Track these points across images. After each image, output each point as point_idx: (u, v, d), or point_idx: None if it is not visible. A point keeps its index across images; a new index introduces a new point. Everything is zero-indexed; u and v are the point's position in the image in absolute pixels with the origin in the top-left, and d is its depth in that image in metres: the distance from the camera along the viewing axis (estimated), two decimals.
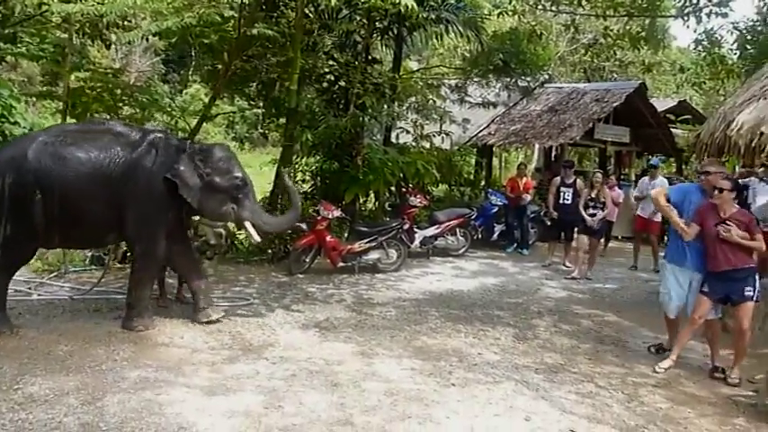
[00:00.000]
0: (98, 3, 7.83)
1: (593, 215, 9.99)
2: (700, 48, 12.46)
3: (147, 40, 13.61)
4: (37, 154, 5.80)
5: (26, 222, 5.80)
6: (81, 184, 5.88)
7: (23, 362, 5.19)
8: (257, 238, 6.98)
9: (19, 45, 11.57)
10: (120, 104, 10.46)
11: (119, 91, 10.64)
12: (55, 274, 8.25)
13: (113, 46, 16.06)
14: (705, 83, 16.46)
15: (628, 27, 13.20)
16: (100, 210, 6.04)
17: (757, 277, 5.66)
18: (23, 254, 6.19)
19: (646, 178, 11.37)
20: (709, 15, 10.39)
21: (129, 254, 6.88)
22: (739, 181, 8.80)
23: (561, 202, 10.69)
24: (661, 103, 18.72)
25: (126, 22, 9.69)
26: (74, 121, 10.22)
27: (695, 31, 12.20)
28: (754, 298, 5.62)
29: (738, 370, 5.63)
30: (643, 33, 12.98)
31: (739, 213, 5.71)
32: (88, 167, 5.92)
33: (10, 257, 5.95)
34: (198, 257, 7.27)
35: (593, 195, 10.10)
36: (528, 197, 12.26)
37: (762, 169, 8.99)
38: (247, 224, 6.67)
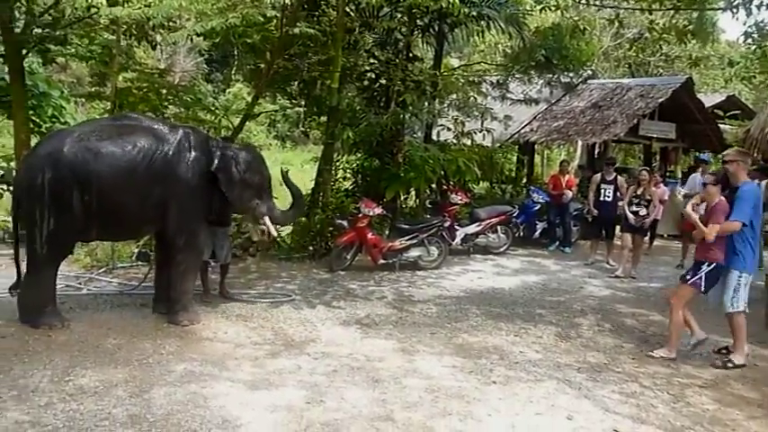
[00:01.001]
0: (145, 5, 7.99)
1: (636, 213, 9.82)
2: (749, 41, 12.09)
3: (192, 40, 13.83)
4: (73, 149, 5.91)
5: (67, 216, 5.92)
6: (118, 178, 5.99)
7: (74, 354, 5.34)
8: (274, 232, 7.58)
9: (69, 47, 11.90)
10: (166, 104, 10.67)
11: (164, 91, 10.87)
12: (103, 269, 8.48)
13: (159, 47, 16.43)
14: (755, 77, 16.02)
15: (674, 21, 12.89)
16: (136, 203, 6.16)
17: (705, 267, 5.84)
18: (66, 247, 6.34)
19: (696, 174, 11.08)
20: (759, 7, 10.07)
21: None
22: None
23: (602, 199, 10.54)
24: (709, 99, 18.27)
25: (171, 24, 9.87)
26: None
27: (745, 24, 11.85)
28: (689, 282, 5.93)
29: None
30: (690, 27, 12.69)
31: (717, 204, 5.91)
32: (124, 161, 6.03)
33: (54, 251, 6.09)
34: (240, 254, 7.44)
35: (638, 193, 9.92)
36: (570, 194, 12.10)
37: None
38: (266, 219, 7.06)
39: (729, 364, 5.79)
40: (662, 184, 11.44)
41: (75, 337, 5.77)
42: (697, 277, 5.89)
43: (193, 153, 6.38)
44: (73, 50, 12.12)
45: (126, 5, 8.13)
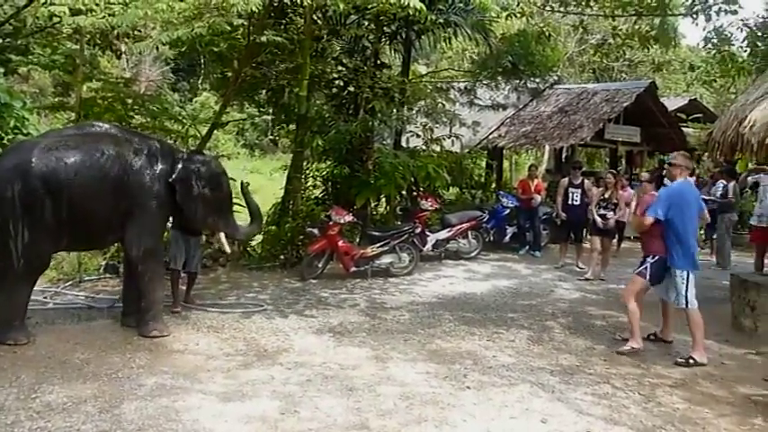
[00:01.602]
0: (109, 15, 7.88)
1: (603, 216, 9.95)
2: (709, 45, 12.34)
3: (157, 49, 13.73)
4: (42, 159, 5.84)
5: (40, 227, 5.84)
6: (86, 188, 5.94)
7: (40, 370, 5.23)
8: (228, 249, 7.72)
9: (31, 56, 11.69)
10: (132, 114, 10.53)
11: (130, 100, 10.72)
12: (70, 282, 8.31)
13: (124, 56, 16.22)
14: (716, 81, 16.35)
15: (637, 26, 13.13)
16: (104, 211, 6.11)
17: (650, 259, 6.31)
18: (43, 260, 6.23)
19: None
20: (718, 13, 10.31)
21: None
22: (749, 178, 8.85)
23: (570, 203, 10.67)
24: (672, 102, 18.63)
25: (136, 33, 9.76)
26: None
27: (705, 29, 12.05)
28: (636, 271, 6.48)
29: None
30: (652, 32, 12.91)
31: (645, 198, 6.81)
32: (93, 170, 5.99)
33: (31, 265, 5.97)
34: (211, 264, 7.36)
35: (605, 196, 10.06)
36: (539, 199, 12.22)
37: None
38: (221, 235, 7.26)
39: (691, 361, 5.96)
40: (628, 187, 11.58)
41: (41, 353, 5.64)
42: (642, 267, 6.36)
43: (158, 163, 6.36)
44: (35, 60, 11.91)
45: (89, 14, 8.00)
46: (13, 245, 5.77)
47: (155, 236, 6.48)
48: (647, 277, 6.32)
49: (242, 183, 7.55)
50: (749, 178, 9.27)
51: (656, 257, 6.26)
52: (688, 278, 6.12)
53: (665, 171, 7.21)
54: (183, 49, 11.44)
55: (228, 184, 7.02)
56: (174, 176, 6.37)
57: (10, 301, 5.92)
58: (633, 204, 7.02)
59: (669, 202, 6.11)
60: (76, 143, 6.09)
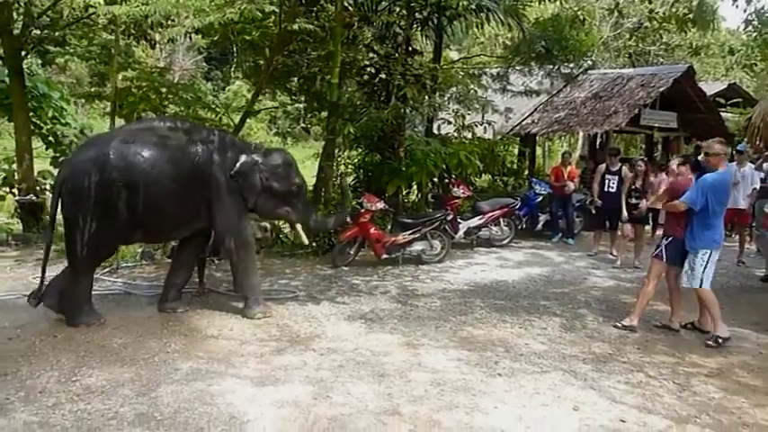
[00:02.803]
0: (143, 3, 7.98)
1: (636, 206, 9.77)
2: (750, 28, 12.08)
3: (190, 38, 13.83)
4: (119, 153, 6.01)
5: (110, 220, 6.01)
6: (162, 181, 6.12)
7: (80, 354, 5.36)
8: (305, 240, 7.72)
9: (68, 47, 11.90)
10: (166, 103, 10.67)
11: (164, 89, 10.87)
12: (107, 269, 8.47)
13: (158, 45, 16.42)
14: (756, 65, 15.99)
15: (674, 9, 12.88)
16: (178, 204, 6.30)
17: (664, 241, 6.45)
18: (107, 250, 6.49)
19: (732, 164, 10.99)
20: None
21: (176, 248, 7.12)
22: (765, 163, 8.68)
23: (606, 190, 10.50)
24: (710, 87, 18.21)
25: (170, 22, 9.86)
26: (122, 120, 10.48)
27: (745, 11, 11.74)
28: (653, 254, 6.60)
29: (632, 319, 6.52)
30: (690, 15, 12.64)
31: (677, 183, 6.73)
32: (169, 165, 6.17)
33: (94, 254, 6.18)
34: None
35: (635, 185, 9.90)
36: (573, 186, 12.07)
37: None
38: (298, 226, 7.43)
39: (719, 340, 6.04)
40: (663, 174, 11.31)
41: (81, 338, 5.78)
42: (658, 250, 6.50)
43: (227, 155, 6.52)
44: (72, 51, 12.12)
45: (124, 4, 8.12)
46: (79, 235, 5.96)
47: (241, 225, 6.66)
48: (665, 259, 6.39)
49: (341, 177, 7.74)
50: (765, 164, 9.01)
51: (670, 239, 6.36)
52: (709, 258, 6.15)
53: (701, 156, 7.05)
54: (216, 38, 11.52)
55: (298, 175, 7.05)
56: (234, 170, 6.50)
57: (78, 287, 6.15)
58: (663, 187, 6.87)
59: (707, 193, 6.07)
60: (151, 137, 6.27)
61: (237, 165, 6.52)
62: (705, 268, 6.15)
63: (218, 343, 5.84)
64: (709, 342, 6.06)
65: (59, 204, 6.12)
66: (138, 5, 7.97)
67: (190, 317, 6.57)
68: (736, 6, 10.90)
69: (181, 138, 6.39)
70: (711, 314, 6.18)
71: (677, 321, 6.56)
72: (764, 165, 9.15)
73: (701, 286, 6.17)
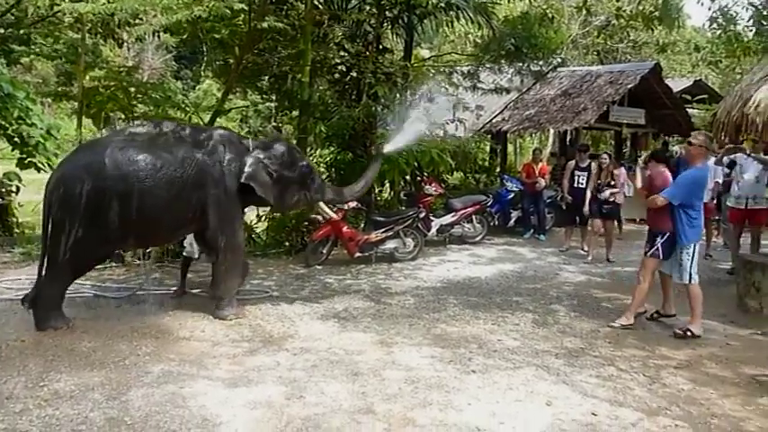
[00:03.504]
0: (109, 1, 7.87)
1: (605, 200, 9.88)
2: (715, 26, 12.30)
3: (159, 37, 13.67)
4: (114, 160, 5.92)
5: (100, 227, 5.91)
6: (158, 189, 6.03)
7: (48, 359, 5.25)
8: (332, 214, 8.11)
9: (33, 46, 11.69)
10: (134, 102, 10.53)
11: (132, 89, 10.72)
12: None
13: (125, 44, 16.18)
14: (721, 61, 16.25)
15: (641, 7, 13.06)
16: (175, 211, 6.24)
17: (660, 238, 6.36)
18: (93, 257, 6.37)
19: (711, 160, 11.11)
20: None
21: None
22: (725, 157, 8.85)
23: (576, 186, 10.61)
24: (676, 84, 18.48)
25: (137, 20, 9.74)
26: (89, 120, 10.33)
27: (710, 9, 11.95)
28: (649, 254, 6.47)
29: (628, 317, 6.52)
30: (656, 13, 12.83)
31: (658, 175, 6.65)
32: (165, 172, 6.08)
33: (78, 260, 6.06)
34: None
35: (601, 179, 10.02)
36: (544, 182, 12.19)
37: (747, 144, 8.92)
38: (321, 204, 7.50)
39: (689, 333, 6.13)
40: (621, 167, 11.32)
41: (49, 342, 5.67)
42: (654, 248, 6.40)
43: (230, 160, 6.47)
44: (38, 50, 11.91)
45: (89, 2, 7.99)
46: (64, 239, 5.86)
47: (233, 229, 6.61)
48: (662, 256, 6.40)
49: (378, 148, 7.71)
50: (725, 158, 9.20)
51: (666, 235, 6.33)
52: (694, 252, 6.28)
53: (680, 152, 7.16)
54: (185, 36, 11.42)
55: (302, 157, 7.13)
56: (244, 177, 6.45)
57: (52, 291, 6.05)
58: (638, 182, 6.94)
59: (688, 189, 6.23)
60: (147, 142, 6.18)
61: (246, 171, 6.46)
62: (692, 262, 6.27)
63: (189, 345, 5.77)
64: (678, 331, 6.18)
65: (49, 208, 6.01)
66: (104, 3, 7.87)
67: (161, 318, 6.49)
68: (701, 4, 11.12)
69: (177, 142, 6.31)
70: (693, 310, 6.24)
71: (670, 307, 6.70)
72: (725, 159, 9.32)
73: (690, 281, 6.27)
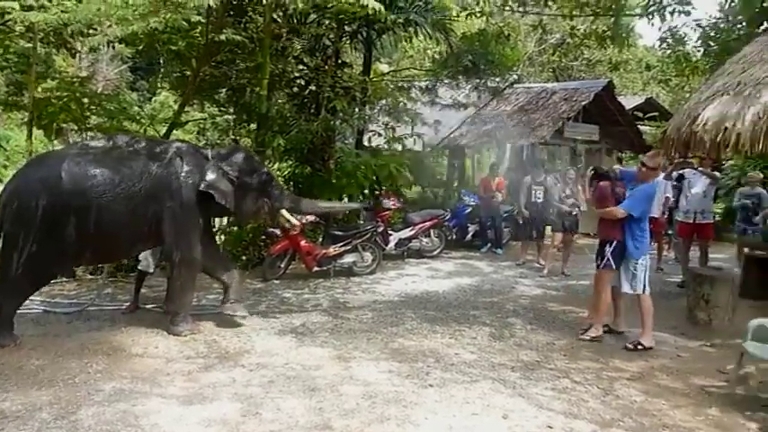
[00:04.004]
0: (62, 11, 7.71)
1: (569, 213, 10.08)
2: (665, 45, 12.63)
3: (114, 47, 13.47)
4: (71, 174, 5.82)
5: (56, 242, 5.78)
6: (116, 203, 5.95)
7: None
8: (295, 222, 7.85)
9: None
10: (88, 114, 10.31)
11: (86, 100, 10.49)
12: None
13: (79, 54, 15.86)
14: (671, 80, 16.71)
15: (594, 26, 13.33)
16: (132, 225, 6.15)
17: (608, 248, 6.49)
18: (46, 274, 6.23)
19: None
20: (672, 13, 10.53)
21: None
22: (674, 172, 9.12)
23: (532, 200, 10.78)
24: (629, 101, 18.97)
25: (91, 30, 9.56)
26: (41, 131, 10.06)
27: (660, 29, 12.30)
28: (602, 266, 6.57)
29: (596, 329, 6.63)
30: (609, 32, 13.13)
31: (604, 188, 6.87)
32: (122, 186, 6.01)
33: (29, 277, 5.90)
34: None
35: (567, 192, 10.20)
36: (501, 197, 12.34)
37: (695, 160, 9.22)
38: (283, 211, 7.29)
39: (639, 347, 6.28)
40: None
41: None
42: (605, 260, 6.54)
43: (187, 171, 6.40)
44: None
45: (42, 11, 7.81)
46: (16, 254, 5.74)
47: (189, 243, 6.47)
48: (613, 266, 6.52)
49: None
50: (674, 173, 9.50)
51: (615, 243, 6.48)
52: (646, 262, 6.53)
53: (619, 169, 7.40)
54: (141, 48, 11.27)
55: (261, 164, 7.11)
56: (204, 185, 6.38)
57: (1, 308, 5.88)
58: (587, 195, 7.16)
59: (643, 203, 6.46)
60: (104, 156, 6.09)
61: (206, 179, 6.40)
62: (645, 272, 6.49)
63: (143, 361, 5.65)
64: (629, 345, 6.31)
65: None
66: (56, 13, 7.70)
67: (113, 335, 6.33)
68: (652, 25, 11.45)
69: (135, 156, 6.24)
70: (644, 322, 6.41)
71: (621, 323, 6.84)
72: (674, 173, 9.60)
73: (644, 291, 6.47)
